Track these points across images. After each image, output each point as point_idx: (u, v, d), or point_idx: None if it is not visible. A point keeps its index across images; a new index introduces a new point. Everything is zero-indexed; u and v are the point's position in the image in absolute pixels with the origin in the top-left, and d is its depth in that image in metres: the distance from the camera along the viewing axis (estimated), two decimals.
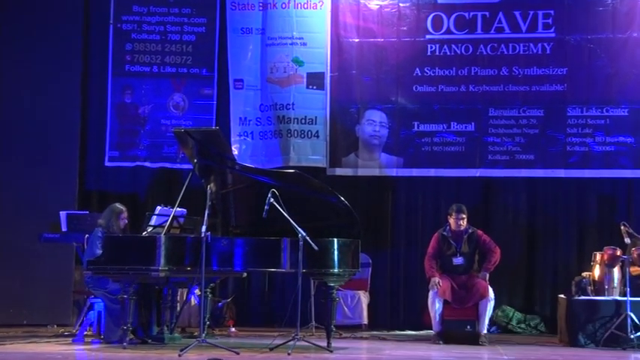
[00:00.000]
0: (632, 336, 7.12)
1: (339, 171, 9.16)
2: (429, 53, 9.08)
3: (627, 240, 7.41)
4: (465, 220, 7.59)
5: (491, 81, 8.98)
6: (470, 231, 7.66)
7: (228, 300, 8.80)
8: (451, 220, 7.61)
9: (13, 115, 9.05)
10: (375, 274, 9.06)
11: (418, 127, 9.08)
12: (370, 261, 8.98)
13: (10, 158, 9.01)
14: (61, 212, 8.25)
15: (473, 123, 9.00)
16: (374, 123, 9.16)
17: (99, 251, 6.89)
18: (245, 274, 7.55)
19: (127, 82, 9.45)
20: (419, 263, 8.45)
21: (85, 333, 7.43)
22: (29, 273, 8.81)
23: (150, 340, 7.08)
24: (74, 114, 9.24)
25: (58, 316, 8.79)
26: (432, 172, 9.06)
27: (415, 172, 9.09)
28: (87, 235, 7.47)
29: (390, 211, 9.23)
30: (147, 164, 9.43)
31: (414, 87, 9.10)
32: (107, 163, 9.46)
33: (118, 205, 7.30)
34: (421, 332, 8.20)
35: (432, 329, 7.58)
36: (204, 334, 6.57)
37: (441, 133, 9.03)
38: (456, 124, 9.02)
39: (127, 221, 7.28)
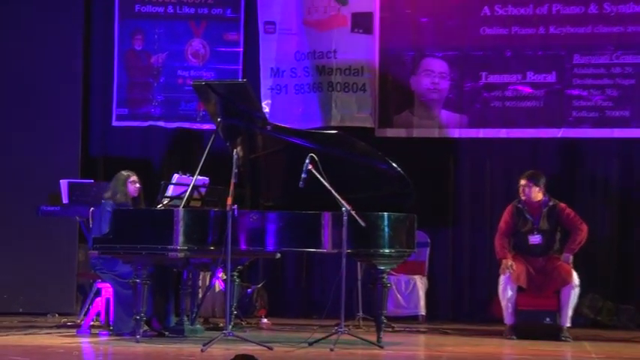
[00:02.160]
0: None
1: (391, 132, 9.15)
2: None
3: None
4: (533, 189, 7.48)
5: (577, 21, 8.84)
6: (550, 204, 7.59)
7: (259, 285, 8.86)
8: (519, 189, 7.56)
9: (4, 68, 9.13)
10: (434, 256, 9.06)
11: (486, 79, 9.00)
12: (428, 240, 8.98)
13: (1, 118, 9.11)
14: (61, 181, 8.35)
15: (554, 73, 8.88)
16: (432, 73, 9.10)
17: (107, 228, 6.96)
18: (279, 255, 7.57)
19: (136, 26, 9.47)
20: (488, 242, 8.40)
21: (92, 323, 7.54)
22: (25, 253, 8.95)
23: (167, 333, 7.17)
24: (75, 65, 9.30)
25: (60, 303, 8.94)
26: (502, 133, 9.00)
27: (482, 132, 9.04)
28: (92, 208, 7.56)
29: (453, 180, 9.20)
30: (161, 124, 9.48)
31: (482, 29, 9.00)
32: (115, 123, 9.53)
33: (124, 172, 7.36)
34: (490, 325, 8.17)
35: (503, 321, 7.55)
36: (230, 326, 6.63)
37: (515, 85, 8.93)
38: (532, 74, 8.91)
39: (139, 186, 7.33)
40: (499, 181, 9.09)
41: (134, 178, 7.32)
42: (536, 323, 7.41)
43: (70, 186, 8.28)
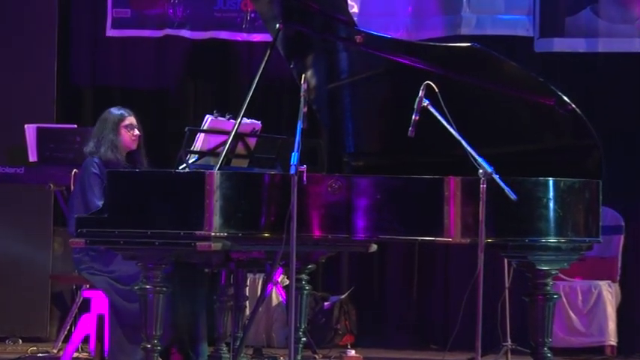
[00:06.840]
0: None
1: (559, 43, 9.19)
2: None
3: None
4: None
5: None
6: None
7: (343, 297, 8.92)
8: None
9: None
10: (631, 249, 9.00)
11: None
12: (622, 223, 8.99)
13: None
14: (27, 126, 8.46)
15: None
16: None
17: (98, 202, 7.05)
18: (374, 248, 7.58)
19: None
20: None
21: (76, 355, 7.67)
22: None
23: None
24: None
25: (26, 322, 9.13)
26: None
27: None
28: (75, 170, 7.65)
29: None
30: (185, 33, 9.57)
31: None
32: (110, 32, 9.63)
33: (114, 110, 7.38)
34: None
35: None
36: None
37: None
38: None
39: (138, 133, 7.36)
40: None
41: (131, 120, 7.35)
42: None
43: (41, 134, 8.37)
